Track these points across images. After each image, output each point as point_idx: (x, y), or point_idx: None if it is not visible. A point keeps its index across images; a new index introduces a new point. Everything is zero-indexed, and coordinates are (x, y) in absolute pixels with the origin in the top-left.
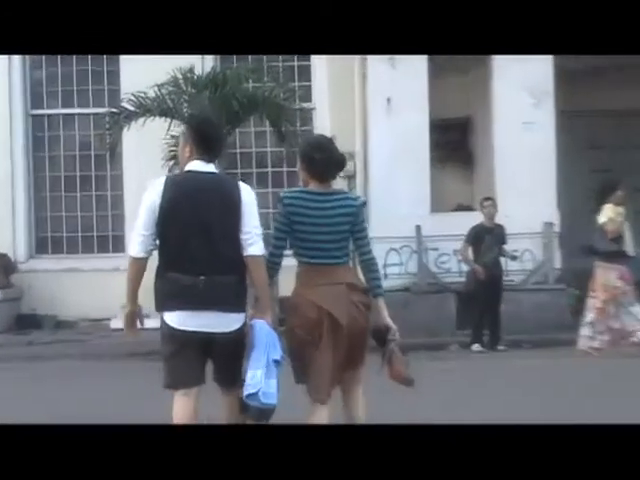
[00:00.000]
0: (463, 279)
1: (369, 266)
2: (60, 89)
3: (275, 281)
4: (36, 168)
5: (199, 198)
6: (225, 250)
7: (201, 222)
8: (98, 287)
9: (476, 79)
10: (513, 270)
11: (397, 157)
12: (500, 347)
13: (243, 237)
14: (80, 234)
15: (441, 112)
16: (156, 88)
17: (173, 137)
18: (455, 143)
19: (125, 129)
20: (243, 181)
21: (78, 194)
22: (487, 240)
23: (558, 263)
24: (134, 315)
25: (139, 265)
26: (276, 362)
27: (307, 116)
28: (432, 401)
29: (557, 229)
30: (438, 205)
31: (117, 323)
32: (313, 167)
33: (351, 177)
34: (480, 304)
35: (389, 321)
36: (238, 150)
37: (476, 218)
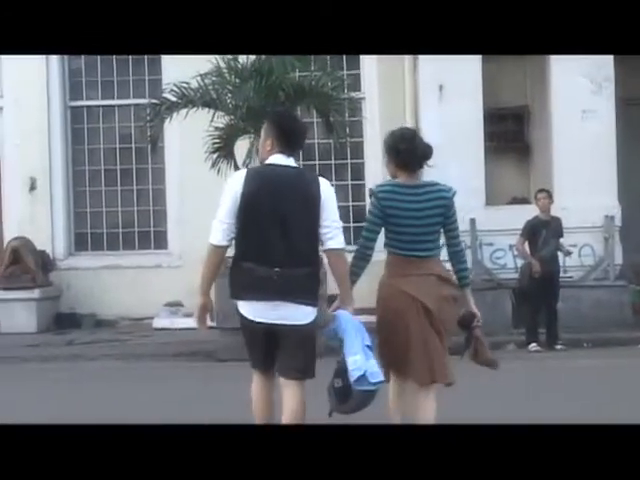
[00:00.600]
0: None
1: (458, 257)
2: (100, 79)
3: (324, 279)
4: (75, 162)
5: (278, 191)
6: (301, 243)
7: (279, 214)
8: (139, 285)
9: (533, 65)
10: (572, 266)
11: (450, 148)
12: (558, 346)
13: (323, 231)
14: (121, 230)
15: (496, 101)
16: (199, 78)
17: (217, 129)
18: (511, 133)
19: (167, 121)
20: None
21: (118, 188)
22: (543, 234)
23: (619, 259)
24: (206, 307)
25: (220, 253)
26: (369, 347)
27: (356, 106)
28: (487, 403)
29: (618, 223)
30: (493, 198)
31: (159, 322)
32: (399, 158)
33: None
34: (534, 301)
35: (474, 308)
36: None
37: (532, 211)
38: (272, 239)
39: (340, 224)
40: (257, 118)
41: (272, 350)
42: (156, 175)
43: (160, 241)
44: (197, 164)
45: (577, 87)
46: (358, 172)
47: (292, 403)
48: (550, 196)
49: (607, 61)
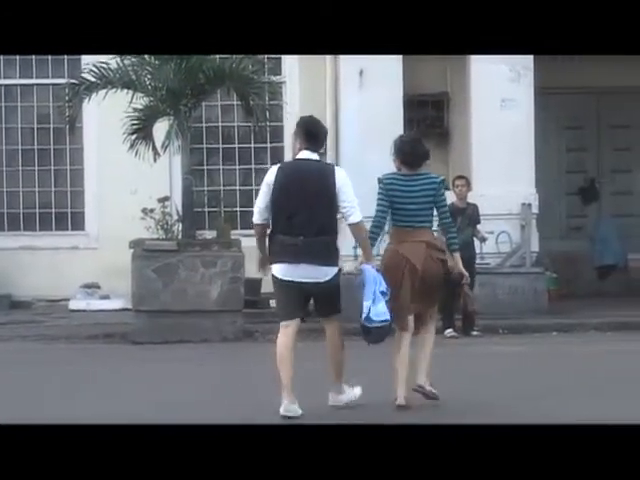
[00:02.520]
0: None
1: (447, 228)
2: (18, 58)
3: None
4: None
5: (303, 178)
6: (320, 218)
7: (303, 196)
8: (56, 266)
9: None
10: (489, 252)
11: (369, 133)
12: (474, 332)
13: (343, 210)
14: (38, 210)
15: (416, 87)
16: (118, 59)
17: (136, 110)
18: (430, 120)
19: (85, 101)
20: (212, 156)
21: (36, 168)
22: (459, 221)
23: (535, 246)
24: (265, 259)
25: (260, 229)
26: (383, 293)
27: (276, 90)
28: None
29: (535, 210)
30: None
31: (75, 304)
32: (404, 158)
33: (322, 154)
34: (450, 287)
35: (462, 269)
36: (204, 125)
37: (450, 198)
38: (297, 215)
39: (355, 203)
40: (176, 100)
41: (302, 302)
42: (74, 156)
43: (77, 222)
44: (115, 145)
45: (496, 75)
46: (277, 155)
47: (330, 333)
48: (468, 183)
49: None
